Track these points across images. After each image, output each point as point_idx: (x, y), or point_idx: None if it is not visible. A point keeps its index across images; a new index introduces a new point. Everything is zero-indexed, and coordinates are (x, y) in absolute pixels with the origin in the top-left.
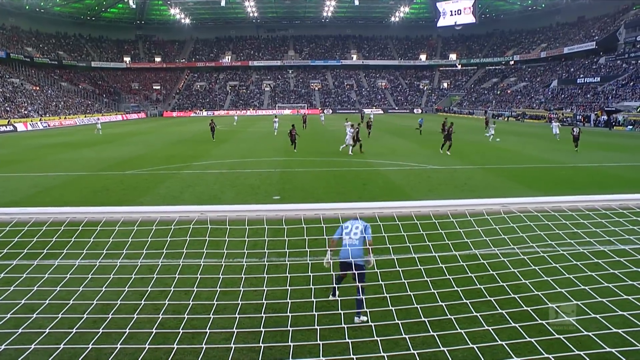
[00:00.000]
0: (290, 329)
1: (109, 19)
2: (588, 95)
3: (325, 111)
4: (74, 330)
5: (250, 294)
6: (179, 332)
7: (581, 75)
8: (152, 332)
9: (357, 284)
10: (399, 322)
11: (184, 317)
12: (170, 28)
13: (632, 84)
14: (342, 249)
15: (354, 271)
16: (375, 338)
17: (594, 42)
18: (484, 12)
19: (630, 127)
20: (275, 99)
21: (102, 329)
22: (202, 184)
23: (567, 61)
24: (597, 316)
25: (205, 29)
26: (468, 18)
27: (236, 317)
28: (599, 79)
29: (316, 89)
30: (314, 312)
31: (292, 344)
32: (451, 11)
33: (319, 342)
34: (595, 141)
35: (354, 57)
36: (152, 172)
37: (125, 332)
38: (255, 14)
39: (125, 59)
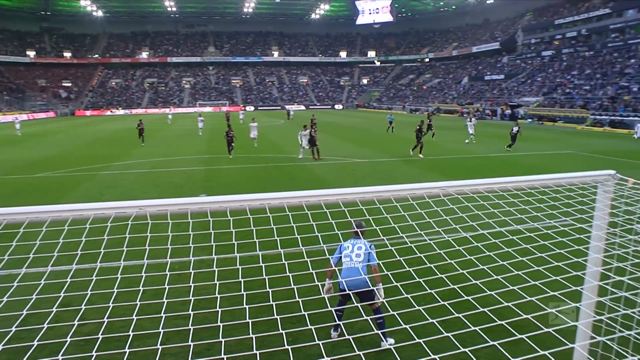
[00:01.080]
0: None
1: (7, 7)
2: (494, 91)
3: (246, 108)
4: None
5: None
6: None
7: (488, 73)
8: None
9: (368, 304)
10: (332, 309)
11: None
12: (80, 21)
13: (529, 81)
14: (342, 273)
15: (359, 303)
16: (310, 327)
17: (498, 42)
18: (401, 12)
19: (530, 120)
20: (195, 97)
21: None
22: (122, 184)
23: (476, 59)
24: (515, 287)
25: (120, 23)
26: (386, 17)
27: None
28: (503, 76)
29: (237, 85)
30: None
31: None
32: (370, 10)
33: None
34: (504, 133)
35: (275, 53)
36: (67, 175)
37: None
38: (174, 9)
39: (28, 52)
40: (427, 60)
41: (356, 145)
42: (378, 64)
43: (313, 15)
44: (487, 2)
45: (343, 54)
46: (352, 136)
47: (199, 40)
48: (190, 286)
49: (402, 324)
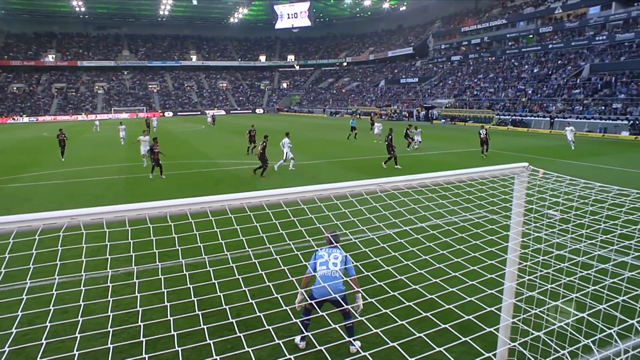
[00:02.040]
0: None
1: None
2: (410, 94)
3: (165, 114)
4: None
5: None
6: None
7: (403, 76)
8: None
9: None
10: (261, 314)
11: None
12: None
13: (441, 84)
14: (316, 282)
15: (334, 310)
16: (237, 335)
17: (411, 47)
18: (319, 17)
19: (443, 120)
20: (110, 102)
21: None
22: (35, 198)
23: (392, 63)
24: (438, 280)
25: (21, 22)
26: (304, 21)
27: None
28: (417, 79)
29: (155, 90)
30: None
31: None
32: (288, 14)
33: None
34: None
35: (194, 57)
36: None
37: None
38: (82, 9)
39: None
40: (345, 64)
41: (280, 148)
42: (298, 68)
43: (232, 19)
44: (400, 9)
45: (263, 58)
46: (275, 139)
47: (112, 43)
48: (136, 296)
49: (332, 324)
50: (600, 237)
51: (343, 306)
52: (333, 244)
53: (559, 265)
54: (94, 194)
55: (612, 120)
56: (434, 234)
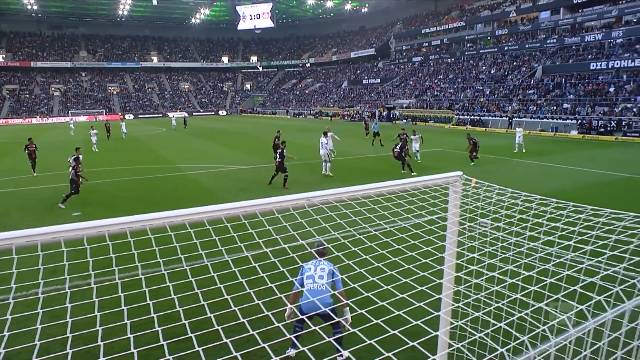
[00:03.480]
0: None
1: None
2: (372, 94)
3: (126, 116)
4: None
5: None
6: None
7: (366, 77)
8: None
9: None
10: (219, 327)
11: None
12: None
13: (402, 84)
14: (304, 296)
15: (325, 323)
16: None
17: (373, 48)
18: (281, 18)
19: (405, 120)
20: (67, 105)
21: None
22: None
23: (354, 64)
24: (390, 287)
25: None
26: (267, 22)
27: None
28: (379, 80)
29: (115, 92)
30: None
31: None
32: (251, 15)
33: None
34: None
35: (155, 59)
36: None
37: None
38: (35, 7)
39: None
40: (308, 65)
41: (241, 152)
42: (261, 69)
43: (193, 20)
44: (362, 10)
45: (225, 59)
46: (237, 143)
47: (69, 43)
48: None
49: (287, 334)
50: (528, 244)
51: (331, 319)
52: (319, 256)
53: (490, 274)
54: (43, 201)
55: (562, 120)
56: (371, 245)
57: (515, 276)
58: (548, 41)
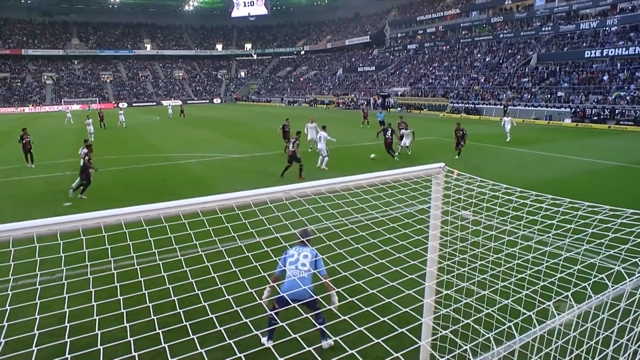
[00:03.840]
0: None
1: None
2: (367, 82)
3: (120, 105)
4: None
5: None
6: None
7: (361, 65)
8: None
9: (313, 313)
10: (213, 316)
11: None
12: None
13: (397, 72)
14: (285, 282)
15: (309, 311)
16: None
17: (368, 36)
18: (275, 5)
19: (399, 108)
20: (60, 93)
21: None
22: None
23: (349, 52)
24: (380, 275)
25: None
26: (261, 9)
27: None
28: (374, 67)
29: (108, 81)
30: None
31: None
32: (245, 2)
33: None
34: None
35: (148, 46)
36: None
37: None
38: None
39: None
40: (303, 52)
41: (235, 140)
42: (255, 56)
43: (187, 7)
44: None
45: (219, 47)
46: (231, 131)
47: (60, 31)
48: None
49: (279, 321)
50: (507, 238)
51: (313, 306)
52: (304, 243)
53: (473, 264)
54: (35, 193)
55: (556, 108)
56: (363, 235)
57: (498, 265)
58: (543, 29)
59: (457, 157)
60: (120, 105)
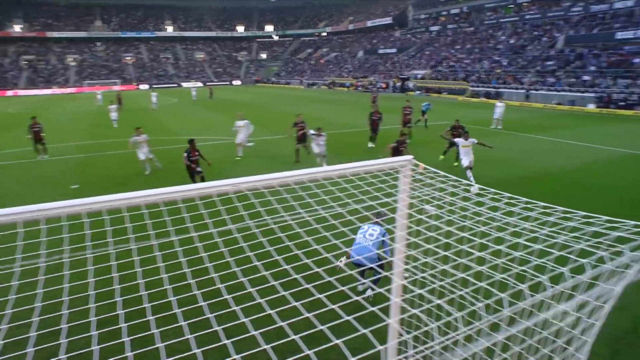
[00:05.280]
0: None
1: None
2: (387, 64)
3: (140, 86)
4: None
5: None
6: None
7: (382, 47)
8: None
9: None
10: (187, 310)
11: None
12: None
13: (419, 55)
14: (354, 247)
15: (369, 277)
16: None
17: (391, 17)
18: None
19: (418, 92)
20: (82, 75)
21: None
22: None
23: (371, 34)
24: (332, 279)
25: None
26: None
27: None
28: (395, 50)
29: (130, 63)
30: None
31: None
32: None
33: None
34: (394, 105)
35: (170, 28)
36: None
37: None
38: None
39: None
40: (324, 34)
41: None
42: (276, 38)
43: None
44: None
45: (240, 29)
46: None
47: (84, 13)
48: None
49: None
50: (465, 235)
51: (376, 270)
52: (377, 222)
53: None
54: (43, 176)
55: (580, 93)
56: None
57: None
58: (572, 9)
59: (442, 157)
60: (140, 87)
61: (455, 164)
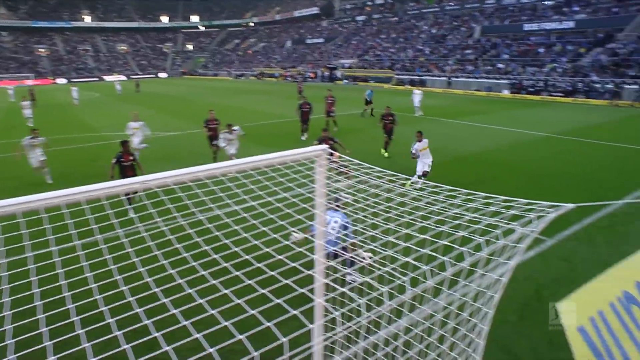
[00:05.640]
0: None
1: None
2: (315, 54)
3: (57, 81)
4: None
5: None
6: None
7: (310, 37)
8: None
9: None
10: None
11: None
12: None
13: (345, 44)
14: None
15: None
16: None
17: (317, 7)
18: None
19: (346, 81)
20: None
21: None
22: None
23: (298, 24)
24: (263, 265)
25: None
26: None
27: None
28: (322, 39)
29: (44, 55)
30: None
31: None
32: None
33: None
34: (322, 95)
35: (87, 18)
36: None
37: None
38: None
39: None
40: (251, 24)
41: (171, 117)
42: (202, 29)
43: None
44: None
45: (165, 19)
46: (170, 107)
47: None
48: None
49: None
50: (378, 220)
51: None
52: (335, 207)
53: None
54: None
55: (496, 80)
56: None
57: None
58: (487, 1)
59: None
60: (57, 81)
61: (386, 154)
